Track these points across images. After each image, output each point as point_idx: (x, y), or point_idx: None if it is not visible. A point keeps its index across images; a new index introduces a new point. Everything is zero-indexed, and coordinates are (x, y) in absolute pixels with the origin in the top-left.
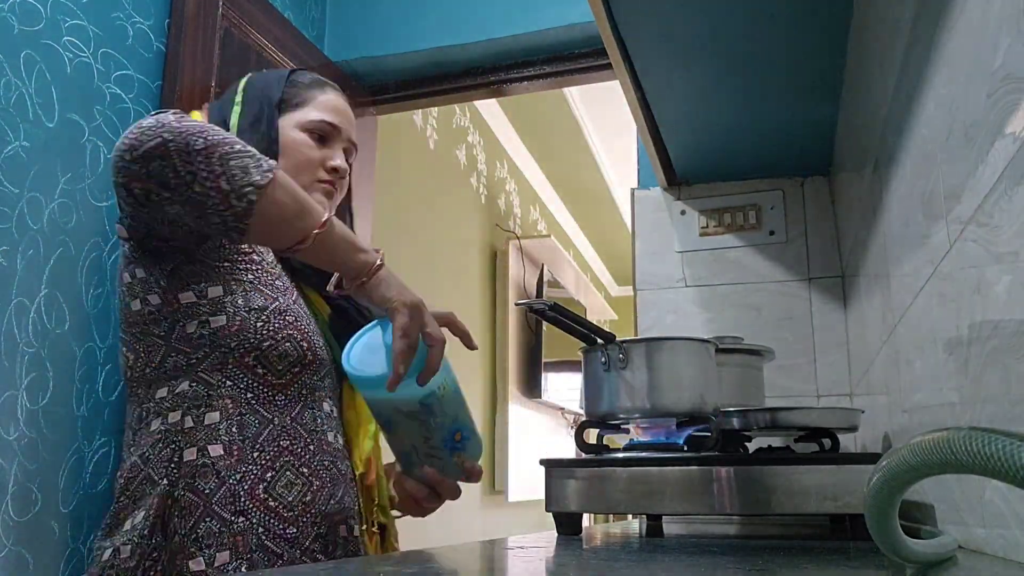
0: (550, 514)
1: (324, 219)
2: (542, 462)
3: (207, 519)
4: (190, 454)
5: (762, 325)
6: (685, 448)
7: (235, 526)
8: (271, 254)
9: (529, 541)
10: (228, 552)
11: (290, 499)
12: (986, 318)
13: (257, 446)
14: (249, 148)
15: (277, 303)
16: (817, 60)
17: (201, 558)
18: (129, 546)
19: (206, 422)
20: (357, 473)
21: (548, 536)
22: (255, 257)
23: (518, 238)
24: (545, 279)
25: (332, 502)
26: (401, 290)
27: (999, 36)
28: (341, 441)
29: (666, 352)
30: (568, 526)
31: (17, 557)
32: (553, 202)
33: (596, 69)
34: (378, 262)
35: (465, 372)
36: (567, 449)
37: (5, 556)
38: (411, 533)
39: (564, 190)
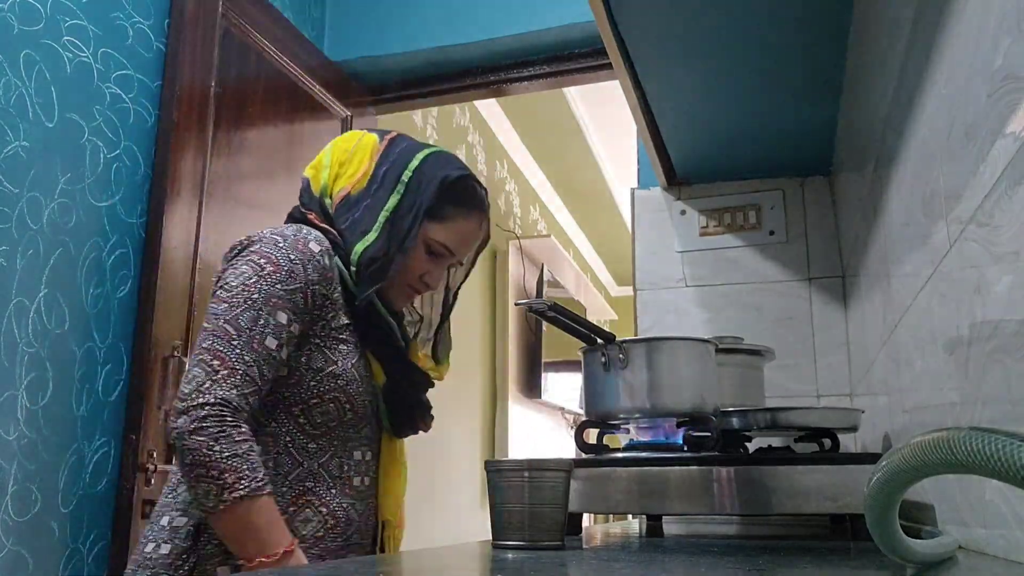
0: None
1: (277, 554)
2: None
3: None
4: None
5: (762, 325)
6: (685, 448)
7: None
8: (342, 319)
9: None
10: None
11: (304, 533)
12: (986, 318)
13: (286, 483)
14: (222, 468)
15: (334, 367)
16: (817, 60)
17: (227, 567)
18: (169, 545)
19: None
20: (388, 518)
21: None
22: (328, 321)
23: (518, 238)
24: (545, 279)
25: (339, 540)
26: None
27: (999, 36)
28: (367, 482)
29: (666, 352)
30: (568, 526)
31: (17, 557)
32: (553, 202)
33: (596, 69)
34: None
35: (465, 372)
36: (567, 449)
37: (5, 556)
38: (412, 533)
39: (564, 190)
